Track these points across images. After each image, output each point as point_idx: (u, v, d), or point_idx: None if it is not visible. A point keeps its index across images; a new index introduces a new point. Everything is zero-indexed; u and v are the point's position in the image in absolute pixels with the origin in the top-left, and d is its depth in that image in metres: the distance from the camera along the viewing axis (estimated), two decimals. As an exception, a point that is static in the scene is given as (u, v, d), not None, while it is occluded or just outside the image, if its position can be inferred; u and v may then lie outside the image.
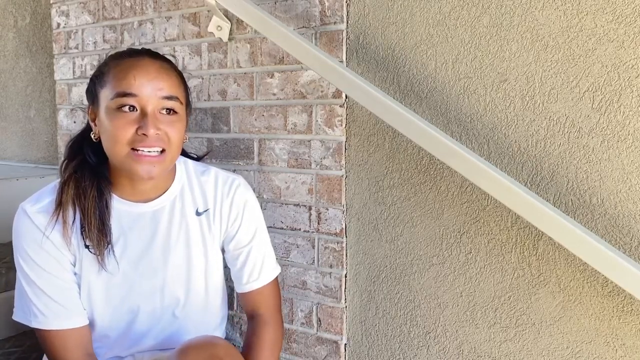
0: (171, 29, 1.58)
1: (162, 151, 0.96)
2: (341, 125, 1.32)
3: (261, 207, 1.48)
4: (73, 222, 0.98)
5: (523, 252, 1.14)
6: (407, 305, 1.30)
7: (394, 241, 1.30)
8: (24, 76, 2.16)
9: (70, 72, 1.85)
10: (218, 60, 1.50)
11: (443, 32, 1.19)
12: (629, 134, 1.02)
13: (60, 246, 0.98)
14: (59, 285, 0.98)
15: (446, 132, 1.19)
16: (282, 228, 1.44)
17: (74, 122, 1.86)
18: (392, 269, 1.31)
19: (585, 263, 1.02)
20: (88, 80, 1.01)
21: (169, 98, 0.96)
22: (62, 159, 1.03)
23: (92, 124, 1.01)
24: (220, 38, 1.46)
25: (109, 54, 1.01)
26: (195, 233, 1.09)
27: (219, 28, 1.44)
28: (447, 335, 1.25)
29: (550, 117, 1.09)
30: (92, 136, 1.00)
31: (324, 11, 1.32)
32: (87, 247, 0.98)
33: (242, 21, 1.40)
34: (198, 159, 1.21)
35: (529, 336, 1.15)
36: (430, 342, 1.28)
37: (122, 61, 0.96)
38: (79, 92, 1.83)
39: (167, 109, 0.96)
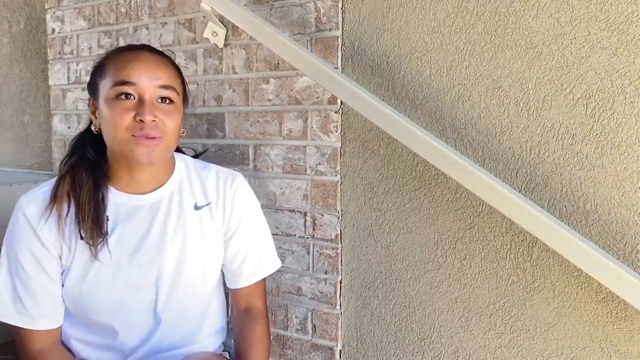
0: (167, 35, 1.58)
1: (160, 138, 0.99)
2: (336, 131, 1.33)
3: (256, 213, 1.48)
4: (67, 214, 1.00)
5: (517, 258, 1.15)
6: (402, 311, 1.30)
7: (389, 247, 1.30)
8: (18, 81, 2.15)
9: (65, 78, 1.84)
10: (213, 66, 1.50)
11: (438, 39, 1.19)
12: (622, 141, 1.03)
13: (47, 241, 0.99)
14: (31, 288, 1.00)
15: (441, 139, 1.19)
16: (277, 234, 1.43)
17: (68, 127, 1.85)
18: (387, 275, 1.31)
19: (579, 269, 1.02)
20: (89, 75, 1.06)
21: (166, 87, 0.99)
22: (64, 155, 1.06)
23: (92, 117, 1.04)
24: (216, 44, 1.46)
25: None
26: (193, 228, 1.08)
27: (215, 34, 1.45)
28: (442, 341, 1.25)
29: (544, 123, 1.10)
30: (93, 128, 1.03)
31: (320, 18, 1.32)
32: (82, 238, 1.00)
33: (237, 27, 1.41)
34: (195, 156, 1.22)
35: (523, 342, 1.15)
36: (426, 349, 1.27)
37: (121, 54, 1.01)
38: (74, 97, 1.82)
39: (164, 97, 0.99)
